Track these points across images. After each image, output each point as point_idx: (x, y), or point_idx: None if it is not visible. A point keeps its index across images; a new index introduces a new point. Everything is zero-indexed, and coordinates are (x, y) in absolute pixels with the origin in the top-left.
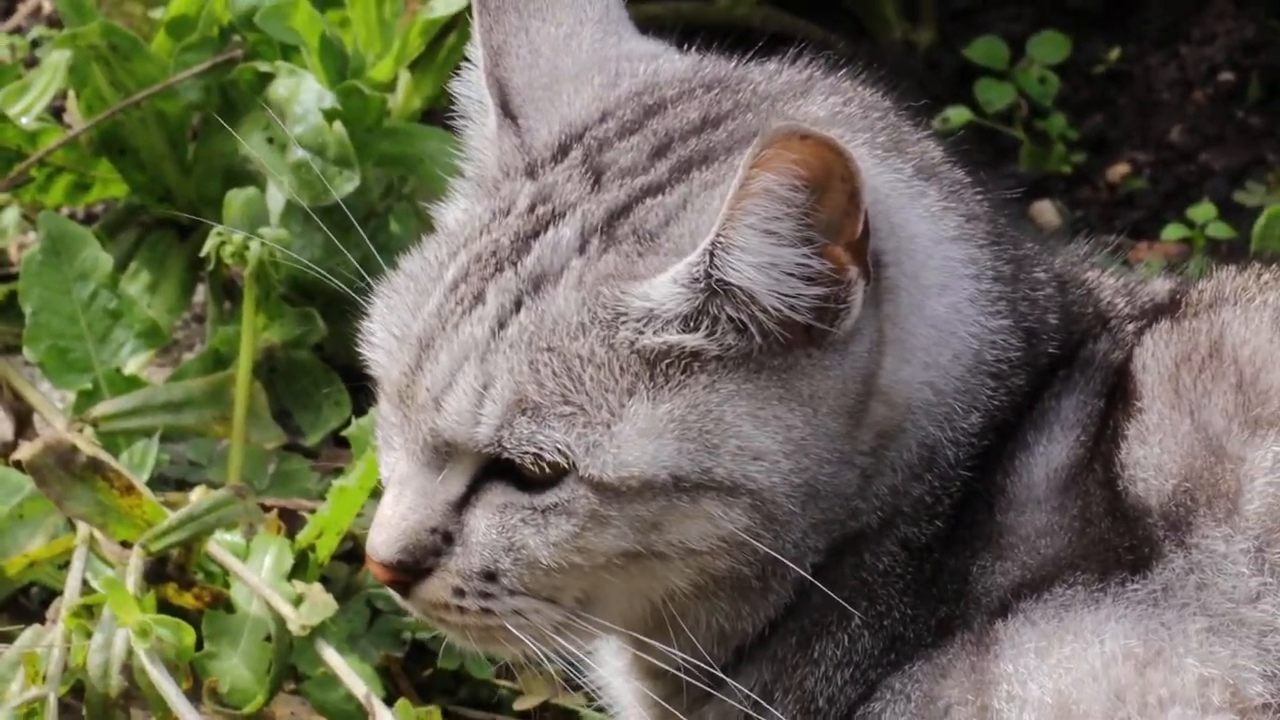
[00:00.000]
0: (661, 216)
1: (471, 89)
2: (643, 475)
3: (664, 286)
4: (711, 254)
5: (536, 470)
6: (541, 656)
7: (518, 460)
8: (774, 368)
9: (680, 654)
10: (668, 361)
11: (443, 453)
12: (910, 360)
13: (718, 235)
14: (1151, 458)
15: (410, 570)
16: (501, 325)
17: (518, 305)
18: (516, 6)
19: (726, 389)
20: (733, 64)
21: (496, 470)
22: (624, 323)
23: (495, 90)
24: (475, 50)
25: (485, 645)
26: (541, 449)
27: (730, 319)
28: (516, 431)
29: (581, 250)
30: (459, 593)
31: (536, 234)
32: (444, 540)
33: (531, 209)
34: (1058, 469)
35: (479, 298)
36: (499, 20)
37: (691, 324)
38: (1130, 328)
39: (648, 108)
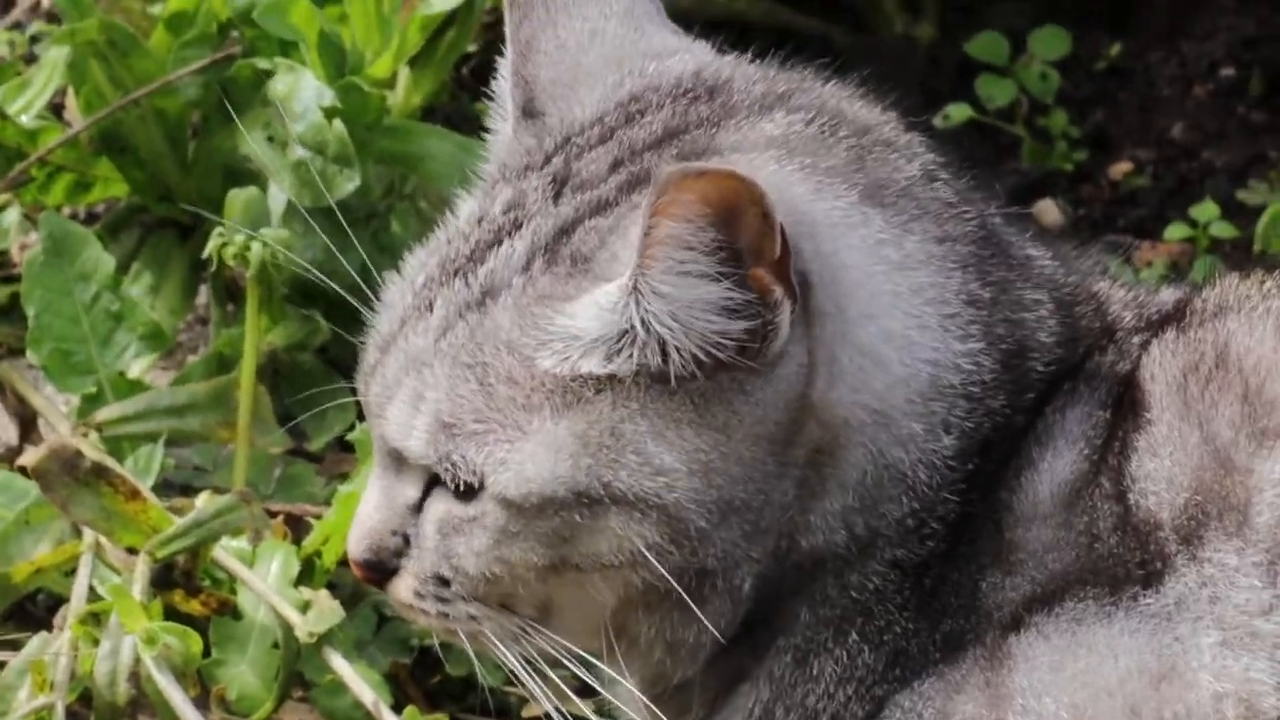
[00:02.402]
0: (596, 240)
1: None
2: (542, 491)
3: (586, 313)
4: (632, 291)
5: (454, 486)
6: (505, 662)
7: (442, 475)
8: (690, 391)
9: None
10: (580, 382)
11: (395, 458)
12: (838, 384)
13: (633, 278)
14: (1163, 470)
15: (377, 569)
16: (442, 336)
17: (459, 317)
18: (545, 1)
19: (631, 406)
20: (741, 66)
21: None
22: (548, 344)
23: (521, 87)
24: (507, 47)
25: (453, 640)
26: (457, 466)
27: (653, 350)
28: (440, 447)
29: (525, 268)
30: (419, 595)
31: (493, 245)
32: (404, 542)
33: (506, 211)
34: (1062, 484)
35: (429, 306)
36: (528, 15)
37: (612, 352)
38: (1136, 340)
39: (629, 115)
